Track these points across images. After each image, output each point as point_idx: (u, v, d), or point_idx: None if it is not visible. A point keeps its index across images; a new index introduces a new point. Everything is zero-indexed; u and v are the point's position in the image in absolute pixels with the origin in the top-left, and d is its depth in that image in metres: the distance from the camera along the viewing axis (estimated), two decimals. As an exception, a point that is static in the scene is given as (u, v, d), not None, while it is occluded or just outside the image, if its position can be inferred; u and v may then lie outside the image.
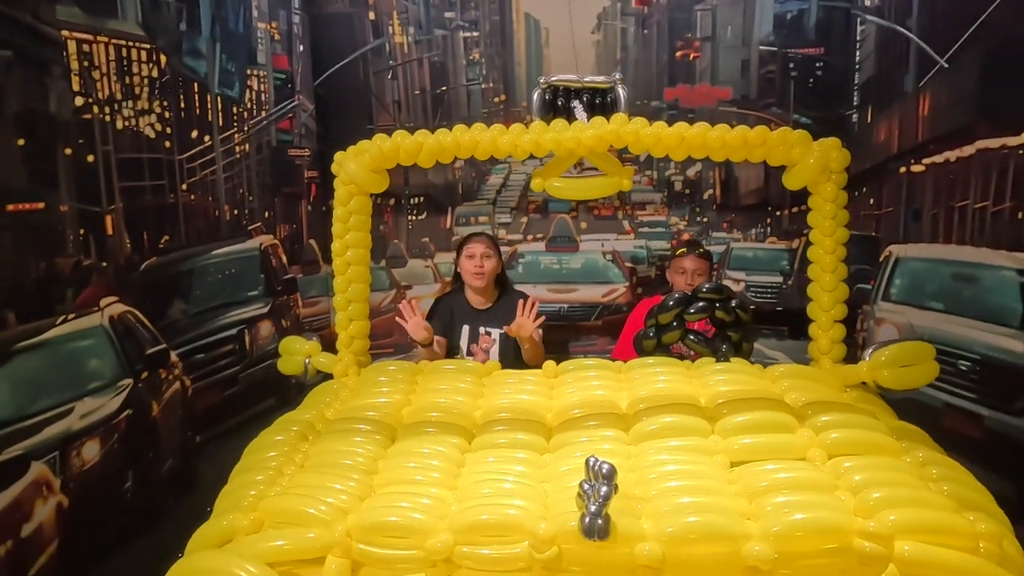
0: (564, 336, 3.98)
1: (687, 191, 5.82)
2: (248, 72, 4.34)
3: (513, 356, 3.19)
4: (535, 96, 2.80)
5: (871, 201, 4.78)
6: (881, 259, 4.32)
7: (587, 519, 1.64)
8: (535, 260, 5.65)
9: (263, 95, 4.55)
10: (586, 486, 1.68)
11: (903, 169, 4.28)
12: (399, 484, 2.03)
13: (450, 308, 3.36)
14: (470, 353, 3.27)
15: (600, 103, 2.79)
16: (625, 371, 2.73)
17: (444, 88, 5.62)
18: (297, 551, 1.79)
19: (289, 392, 4.46)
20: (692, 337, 2.87)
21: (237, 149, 4.18)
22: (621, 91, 2.80)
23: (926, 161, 3.98)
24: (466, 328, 3.28)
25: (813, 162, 2.60)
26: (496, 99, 5.99)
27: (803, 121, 5.11)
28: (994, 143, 3.27)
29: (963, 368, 3.42)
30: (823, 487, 1.85)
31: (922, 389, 3.54)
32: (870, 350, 2.59)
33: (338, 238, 2.89)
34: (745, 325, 2.89)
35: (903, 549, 1.62)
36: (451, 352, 3.27)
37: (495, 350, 3.25)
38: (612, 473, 1.64)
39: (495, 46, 5.80)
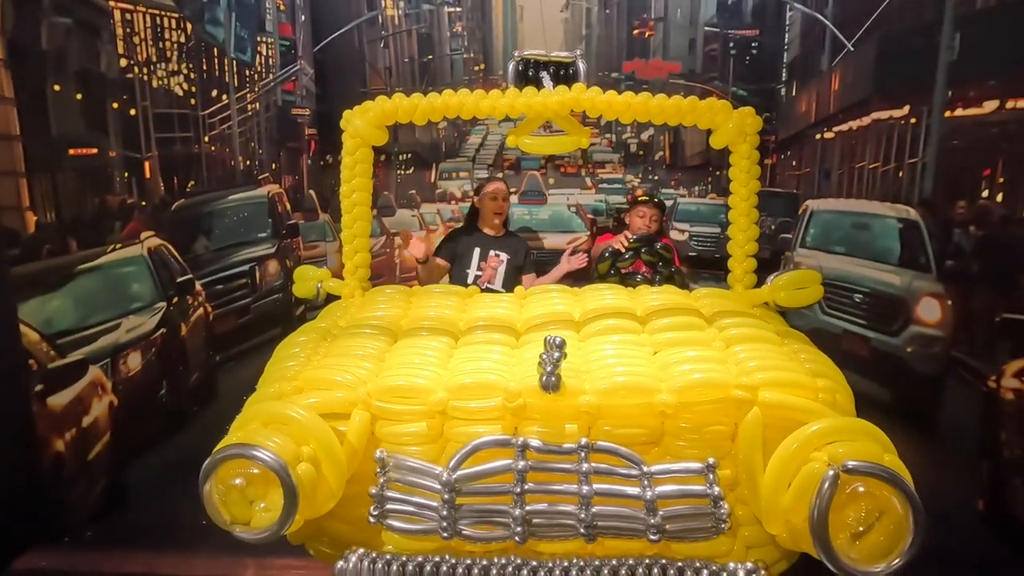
0: (532, 279, 4.60)
1: (641, 152, 6.46)
2: (258, 39, 4.78)
3: (513, 279, 3.91)
4: (510, 67, 3.34)
5: (794, 163, 5.45)
6: (800, 212, 5.02)
7: (544, 377, 2.26)
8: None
9: (270, 59, 5.00)
10: (544, 356, 2.30)
11: (818, 136, 4.94)
12: (403, 366, 2.63)
13: (463, 238, 4.05)
14: (479, 269, 3.94)
15: (564, 74, 3.33)
16: (580, 294, 3.36)
17: (430, 57, 6.11)
18: (329, 406, 2.39)
19: (292, 324, 5.01)
20: (637, 277, 3.57)
21: (249, 107, 4.64)
22: (581, 64, 3.36)
23: (836, 129, 4.64)
24: (477, 250, 3.97)
25: (732, 126, 3.20)
26: (476, 68, 6.50)
27: (740, 93, 5.73)
28: (884, 115, 3.92)
29: (857, 300, 4.12)
30: (716, 361, 2.51)
31: (825, 319, 4.27)
32: (771, 277, 3.25)
33: (346, 182, 3.44)
34: (669, 261, 3.58)
35: (764, 396, 2.29)
36: (459, 273, 3.95)
37: (501, 268, 3.95)
38: (563, 343, 2.26)
39: (476, 20, 6.29)
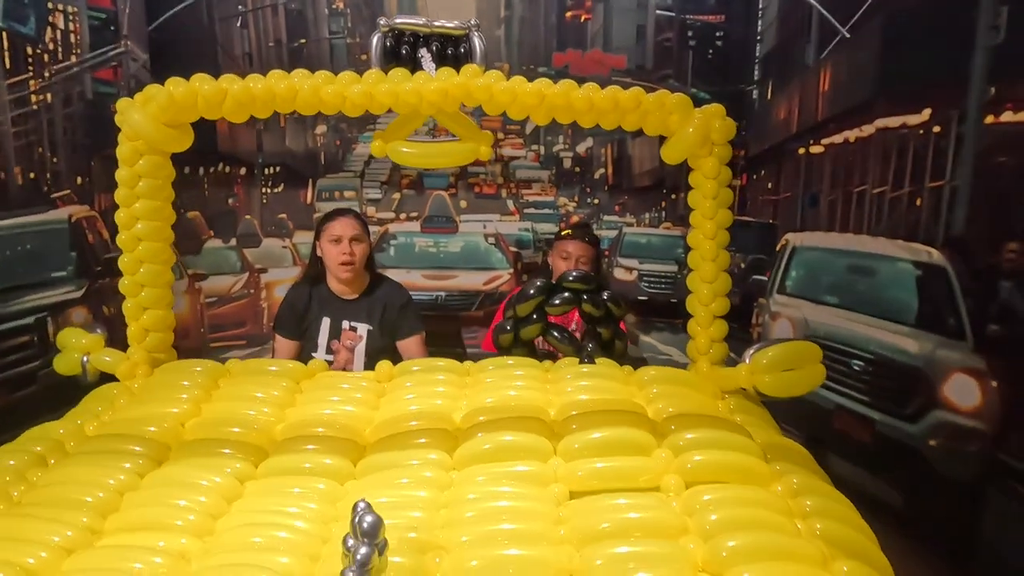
0: (441, 328, 3.54)
1: (577, 169, 5.47)
2: (50, 6, 3.64)
3: (381, 356, 2.67)
4: (374, 41, 2.34)
5: (769, 185, 4.56)
6: (778, 248, 4.08)
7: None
8: (409, 242, 5.17)
9: (72, 36, 3.86)
10: (349, 542, 1.25)
11: (802, 150, 4.05)
12: (137, 530, 1.55)
13: (306, 300, 2.83)
14: (330, 351, 2.77)
15: (453, 54, 2.37)
16: (474, 373, 2.32)
17: (303, 41, 5.03)
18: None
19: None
20: (555, 333, 2.50)
21: (34, 99, 3.50)
22: (477, 41, 2.39)
23: (825, 141, 3.76)
24: (326, 321, 2.78)
25: (692, 132, 2.25)
26: (363, 56, 5.45)
27: (701, 96, 4.86)
28: (893, 122, 3.04)
29: (856, 368, 3.19)
30: (670, 531, 1.49)
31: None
32: (751, 351, 2.25)
33: (124, 207, 2.34)
34: (616, 320, 2.54)
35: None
36: (306, 353, 2.77)
37: (361, 347, 2.77)
38: (375, 529, 1.21)
39: (363, -5, 5.26)
